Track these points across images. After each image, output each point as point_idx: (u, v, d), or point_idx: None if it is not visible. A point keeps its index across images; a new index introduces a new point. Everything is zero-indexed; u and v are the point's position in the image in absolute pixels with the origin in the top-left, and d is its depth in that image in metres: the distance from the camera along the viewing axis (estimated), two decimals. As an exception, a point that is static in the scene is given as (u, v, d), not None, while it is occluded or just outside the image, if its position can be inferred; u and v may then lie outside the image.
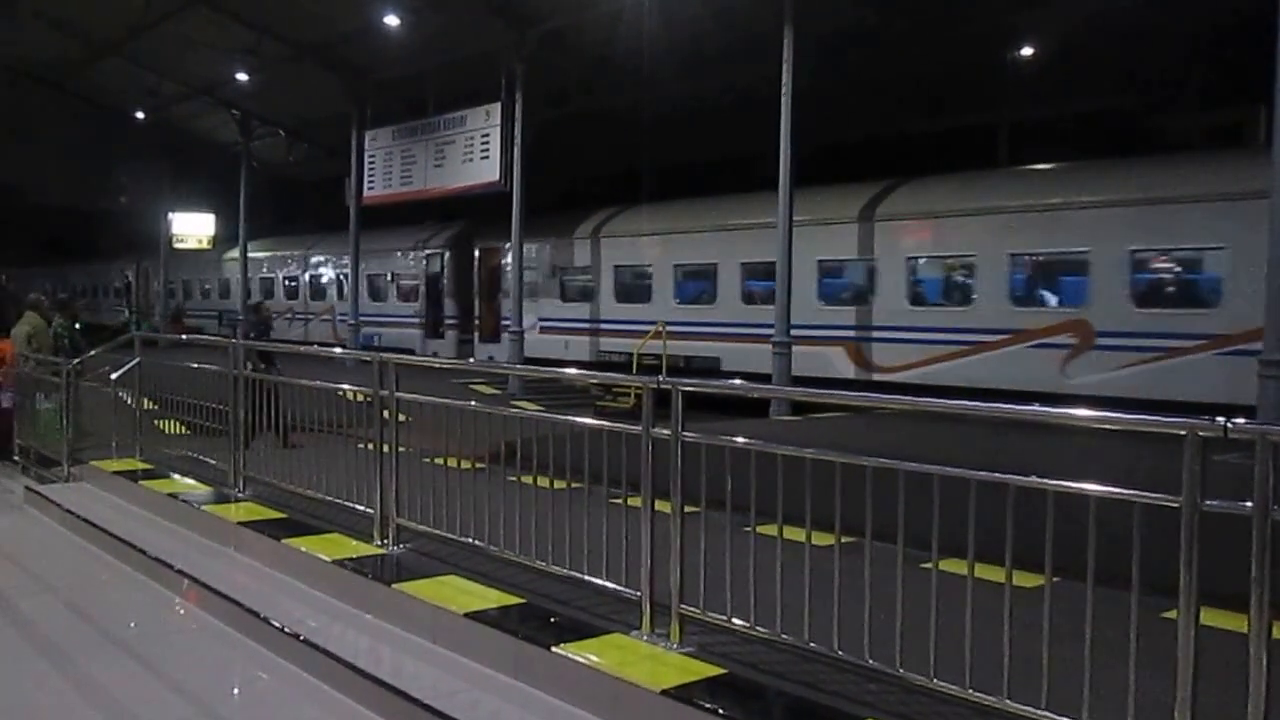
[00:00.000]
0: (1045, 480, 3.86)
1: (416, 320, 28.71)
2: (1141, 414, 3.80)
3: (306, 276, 34.35)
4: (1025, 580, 3.96)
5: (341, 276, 31.48)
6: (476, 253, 26.76)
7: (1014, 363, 16.40)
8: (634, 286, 22.71)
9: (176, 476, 9.80)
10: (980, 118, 22.33)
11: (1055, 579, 3.84)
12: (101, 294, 47.30)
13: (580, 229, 23.93)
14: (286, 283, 35.34)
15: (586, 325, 23.34)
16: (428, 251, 28.58)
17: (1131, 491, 3.63)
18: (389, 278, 30.12)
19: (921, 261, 18.21)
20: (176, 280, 40.82)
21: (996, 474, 4.00)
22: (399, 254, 29.83)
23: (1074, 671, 3.67)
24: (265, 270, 36.20)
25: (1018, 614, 3.89)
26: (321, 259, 33.63)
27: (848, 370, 18.45)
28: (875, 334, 18.34)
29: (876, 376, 18.10)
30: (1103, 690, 3.63)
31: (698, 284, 21.55)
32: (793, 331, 17.16)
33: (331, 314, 32.31)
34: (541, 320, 24.15)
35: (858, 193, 19.02)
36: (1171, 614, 3.48)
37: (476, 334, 26.66)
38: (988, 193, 17.66)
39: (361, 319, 28.97)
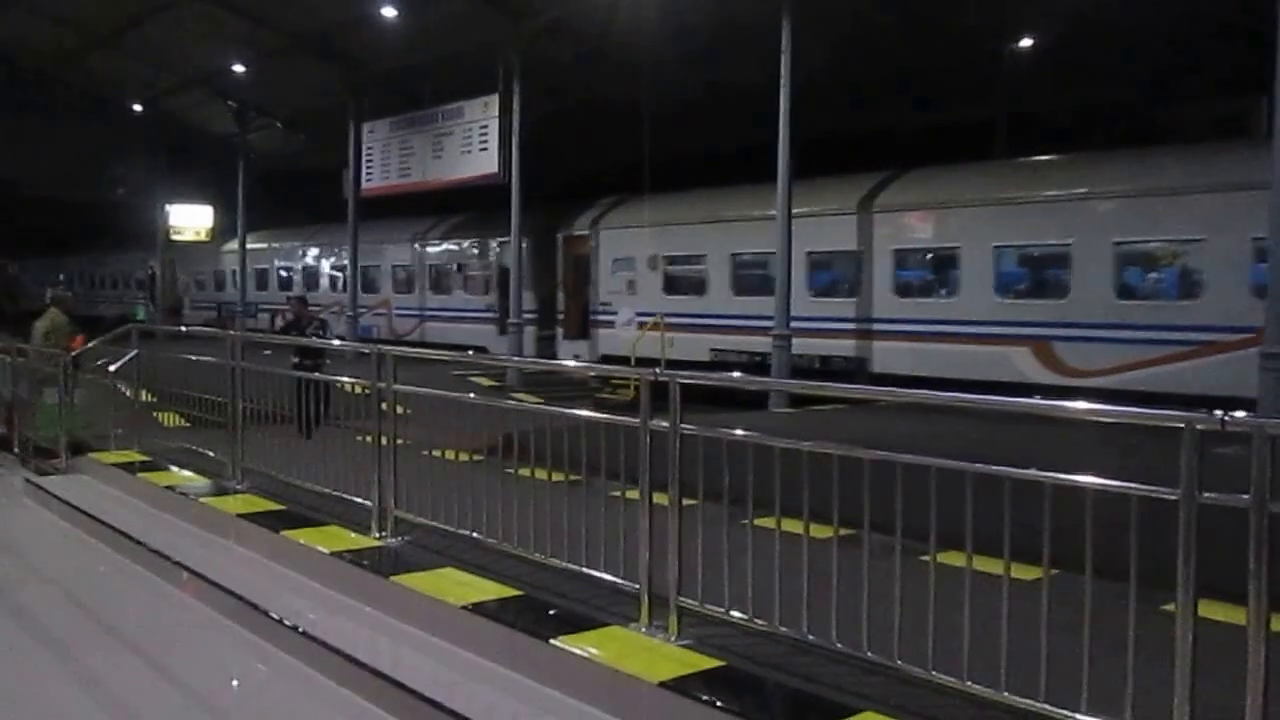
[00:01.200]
0: (1043, 473, 3.87)
1: (488, 315, 26.52)
2: (1140, 407, 3.80)
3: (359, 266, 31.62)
4: (1023, 573, 3.97)
5: (396, 266, 30.16)
6: (559, 240, 24.95)
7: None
8: (757, 277, 20.25)
9: (175, 469, 9.78)
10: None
11: (1054, 572, 3.85)
12: (122, 285, 46.02)
13: (687, 212, 21.83)
14: (333, 274, 33.09)
15: (697, 321, 21.00)
16: (501, 239, 25.88)
17: (1129, 484, 3.63)
18: (455, 268, 28.08)
19: (1133, 246, 15.68)
20: (207, 271, 39.90)
21: (994, 466, 4.00)
22: (467, 243, 27.74)
23: (1072, 664, 3.67)
24: (309, 260, 34.49)
25: (1016, 607, 3.89)
26: (376, 247, 30.97)
27: (1035, 373, 16.03)
28: (1070, 331, 15.84)
29: (1071, 381, 15.70)
30: (1101, 683, 3.64)
31: (835, 273, 19.63)
32: (964, 328, 16.22)
33: (387, 308, 30.27)
34: (641, 316, 21.58)
35: (1049, 169, 17.36)
36: (1170, 607, 3.49)
37: (560, 329, 24.80)
38: (1229, 168, 14.90)
39: (424, 314, 27.98)
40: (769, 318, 18.16)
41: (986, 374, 15.74)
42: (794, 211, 17.89)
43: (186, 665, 6.13)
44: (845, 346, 18.62)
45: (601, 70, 22.95)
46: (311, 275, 33.98)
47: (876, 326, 18.27)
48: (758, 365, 18.54)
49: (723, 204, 21.19)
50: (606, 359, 21.42)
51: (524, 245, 24.50)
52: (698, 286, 21.31)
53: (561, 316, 24.91)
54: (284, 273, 35.61)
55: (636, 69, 21.29)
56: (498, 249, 26.26)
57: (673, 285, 21.91)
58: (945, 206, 17.37)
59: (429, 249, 28.77)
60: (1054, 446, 4.78)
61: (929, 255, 18.05)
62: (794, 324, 17.84)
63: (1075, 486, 3.79)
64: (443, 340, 26.77)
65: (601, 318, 23.00)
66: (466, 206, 27.54)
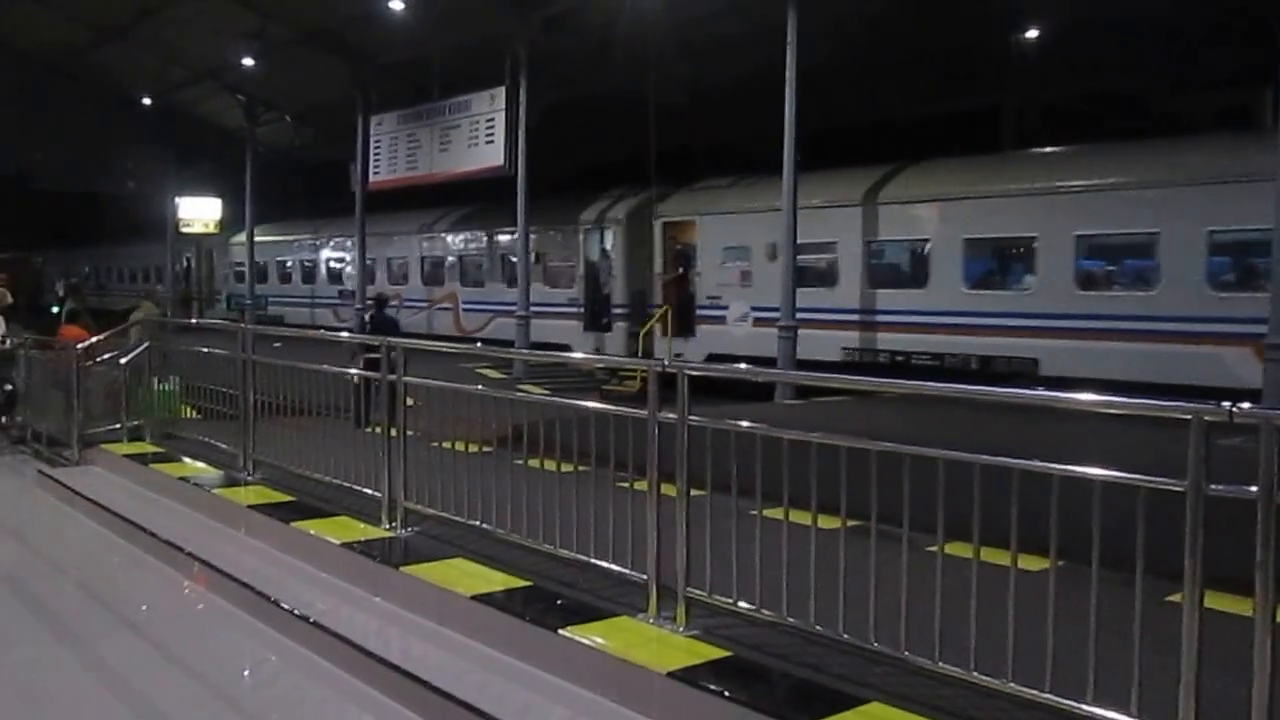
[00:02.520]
0: (1050, 464, 3.87)
1: (573, 310, 24.08)
2: (1147, 399, 3.81)
3: (418, 257, 29.86)
4: (1029, 563, 3.99)
5: (463, 257, 27.85)
6: (658, 227, 22.37)
7: None
8: (901, 267, 18.58)
9: (186, 460, 9.84)
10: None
11: (1059, 563, 3.86)
12: (155, 278, 42.72)
13: (813, 195, 19.14)
14: (393, 266, 30.72)
15: (825, 316, 18.73)
16: (588, 226, 24.02)
17: (1136, 476, 3.64)
18: (534, 259, 24.92)
19: None
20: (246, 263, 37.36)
21: (1001, 458, 4.02)
22: (551, 230, 25.10)
23: (1078, 655, 3.69)
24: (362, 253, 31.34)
25: (1022, 597, 3.91)
26: (439, 237, 28.78)
27: (1253, 376, 13.44)
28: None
29: None
30: (1107, 673, 3.65)
31: (999, 262, 17.61)
32: (1166, 325, 14.52)
33: (453, 302, 27.89)
34: (757, 310, 19.66)
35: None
36: (1175, 597, 3.50)
37: (658, 325, 22.16)
38: None
39: (493, 308, 25.75)
40: (916, 312, 17.09)
41: (1192, 378, 13.90)
42: (953, 194, 16.89)
43: (198, 654, 6.19)
44: (1010, 345, 16.59)
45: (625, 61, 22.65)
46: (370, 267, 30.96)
47: (1050, 323, 16.16)
48: (900, 365, 17.32)
49: (853, 187, 19.11)
50: (714, 359, 19.31)
51: (614, 232, 22.93)
52: (827, 277, 19.21)
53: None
54: (334, 264, 33.63)
55: (647, 60, 21.24)
56: (582, 236, 24.25)
57: (796, 277, 19.10)
58: (1147, 186, 15.30)
59: (502, 237, 26.09)
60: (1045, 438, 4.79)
61: (1122, 241, 15.92)
62: (947, 319, 16.74)
63: (1083, 478, 3.80)
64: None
65: (708, 313, 20.68)
66: (602, 184, 24.93)
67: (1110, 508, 3.72)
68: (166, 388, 7.50)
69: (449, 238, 28.45)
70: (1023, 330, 16.41)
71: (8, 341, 13.29)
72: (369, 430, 7.57)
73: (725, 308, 20.33)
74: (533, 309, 23.40)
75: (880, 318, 18.28)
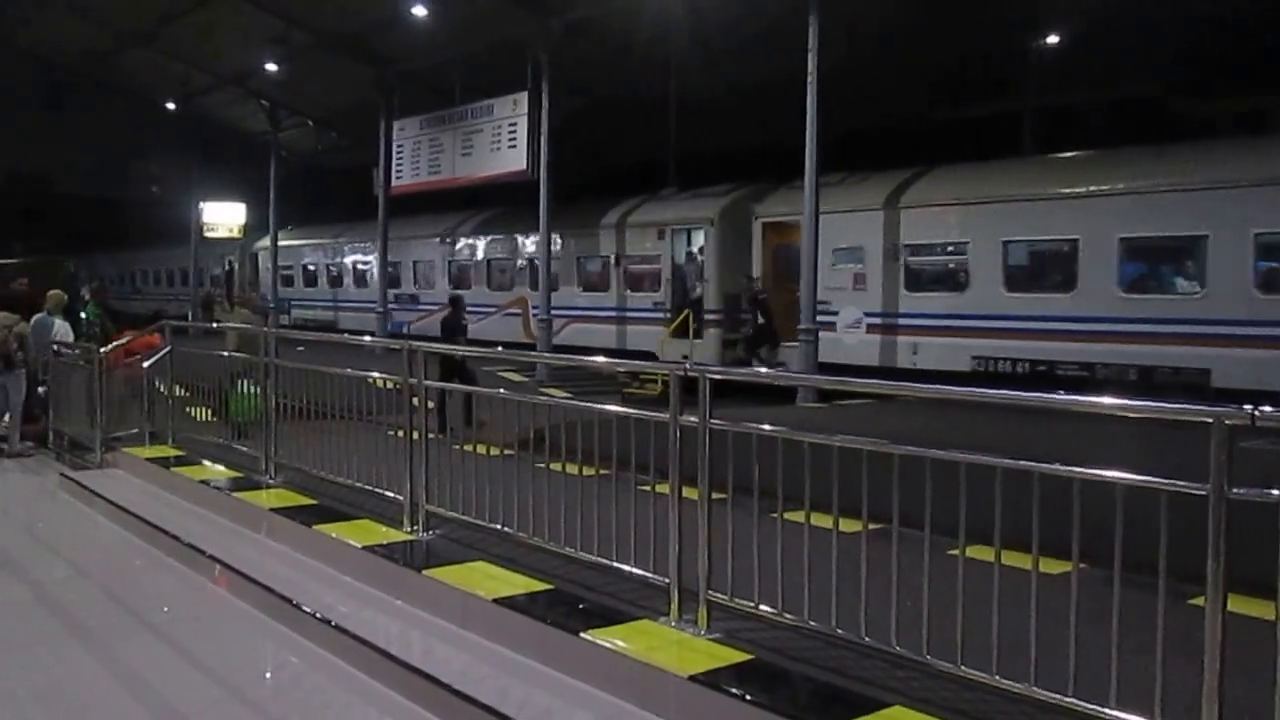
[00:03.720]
0: (1072, 468, 3.85)
1: (658, 315, 22.31)
2: (1167, 402, 3.78)
3: (483, 260, 28.02)
4: (1051, 567, 3.97)
5: (535, 260, 25.26)
6: (757, 227, 20.65)
7: None
8: (1043, 268, 17.01)
9: (208, 463, 9.90)
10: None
11: (1081, 566, 3.85)
12: (194, 282, 41.18)
13: (941, 191, 18.06)
14: (454, 269, 28.96)
15: (951, 323, 17.38)
16: (675, 226, 22.28)
17: (1158, 479, 3.62)
18: (613, 260, 23.69)
19: None
20: (294, 266, 36.39)
21: (1022, 461, 4.00)
22: (632, 229, 23.32)
23: (1101, 658, 3.67)
24: (421, 254, 30.20)
25: (1044, 601, 3.89)
26: (507, 238, 26.99)
27: None
28: None
29: None
30: (1129, 677, 3.63)
31: (1161, 262, 16.05)
32: None
33: (523, 307, 25.82)
34: (871, 316, 18.47)
35: None
36: (1198, 601, 3.48)
37: (754, 332, 20.42)
38: None
39: (568, 313, 23.90)
40: (1061, 318, 15.82)
41: None
42: (1101, 190, 15.75)
43: (219, 657, 6.22)
44: (1175, 355, 15.19)
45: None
46: (426, 270, 29.97)
47: (1225, 330, 14.67)
48: (1039, 375, 16.11)
49: (986, 182, 17.65)
50: (822, 368, 17.81)
51: (707, 233, 21.16)
52: (954, 281, 17.70)
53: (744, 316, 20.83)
54: (389, 268, 31.27)
55: (670, 64, 21.25)
56: (670, 236, 22.35)
57: (918, 280, 18.17)
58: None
59: (578, 239, 24.56)
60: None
61: None
62: (1098, 325, 15.61)
63: (1105, 481, 3.78)
64: (596, 344, 22.09)
65: (816, 319, 18.77)
66: (686, 181, 23.86)
67: (1132, 510, 3.70)
68: (255, 390, 7.66)
69: (519, 239, 26.58)
70: (1191, 338, 14.98)
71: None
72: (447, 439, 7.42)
73: (834, 313, 18.87)
74: (613, 313, 22.87)
75: (1018, 324, 16.78)
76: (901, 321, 18.08)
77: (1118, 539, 3.71)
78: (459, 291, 21.02)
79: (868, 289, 18.60)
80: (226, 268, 40.94)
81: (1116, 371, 15.64)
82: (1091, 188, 16.43)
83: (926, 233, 17.19)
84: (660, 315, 22.18)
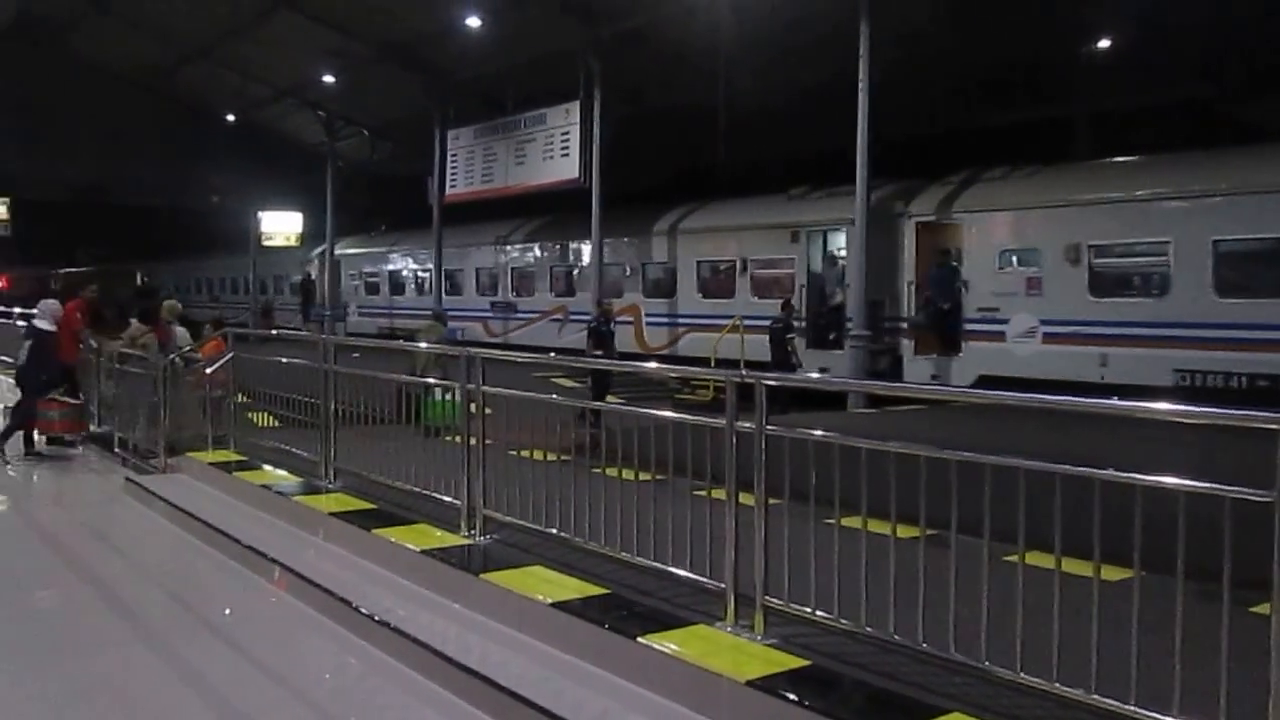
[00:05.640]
0: (1133, 474, 3.83)
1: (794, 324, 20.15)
2: (1226, 408, 3.74)
3: (587, 263, 25.98)
4: (1110, 574, 3.94)
5: (647, 265, 24.40)
6: (910, 228, 19.02)
7: None
8: (1265, 271, 14.93)
9: (269, 468, 10.04)
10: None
11: (1142, 573, 3.81)
12: (273, 290, 40.89)
13: (1122, 185, 16.50)
14: (554, 275, 27.40)
15: (1147, 332, 15.68)
16: (809, 228, 20.68)
17: (1221, 486, 3.59)
18: (740, 266, 22.01)
19: None
20: (380, 274, 35.39)
21: (1082, 468, 3.97)
22: (753, 233, 21.87)
23: (1163, 666, 3.64)
24: (530, 258, 28.50)
25: (1104, 608, 3.86)
26: (618, 242, 25.10)
27: None
28: None
29: None
30: (1192, 685, 3.60)
31: None
32: None
33: (635, 315, 24.07)
34: (1049, 325, 16.85)
35: None
36: (1262, 608, 3.44)
37: (912, 343, 18.79)
38: None
39: (685, 320, 22.75)
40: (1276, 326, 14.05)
41: None
42: None
43: (281, 658, 6.32)
44: None
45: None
46: (528, 275, 28.47)
47: None
48: (1260, 392, 14.30)
49: (1193, 175, 15.91)
50: (986, 381, 16.69)
51: (851, 235, 19.03)
52: (1151, 284, 16.06)
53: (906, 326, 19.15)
54: (484, 274, 30.01)
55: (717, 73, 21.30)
56: (804, 238, 20.69)
57: (1104, 284, 16.49)
58: None
59: (698, 243, 23.12)
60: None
61: None
62: None
63: (1166, 488, 3.75)
64: (718, 354, 20.29)
65: (980, 327, 17.73)
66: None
67: (1194, 517, 3.66)
68: (449, 398, 7.81)
69: (627, 243, 25.06)
70: None
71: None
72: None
73: (1004, 321, 17.40)
74: (729, 320, 21.05)
75: (1232, 333, 14.87)
76: (1085, 330, 16.38)
77: (1180, 546, 3.68)
78: (607, 301, 19.45)
79: (1043, 294, 16.94)
80: (305, 275, 39.88)
81: None
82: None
83: (1117, 231, 15.79)
84: (795, 324, 20.14)
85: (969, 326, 17.80)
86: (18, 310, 25.68)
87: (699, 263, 23.09)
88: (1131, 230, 15.98)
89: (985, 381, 16.75)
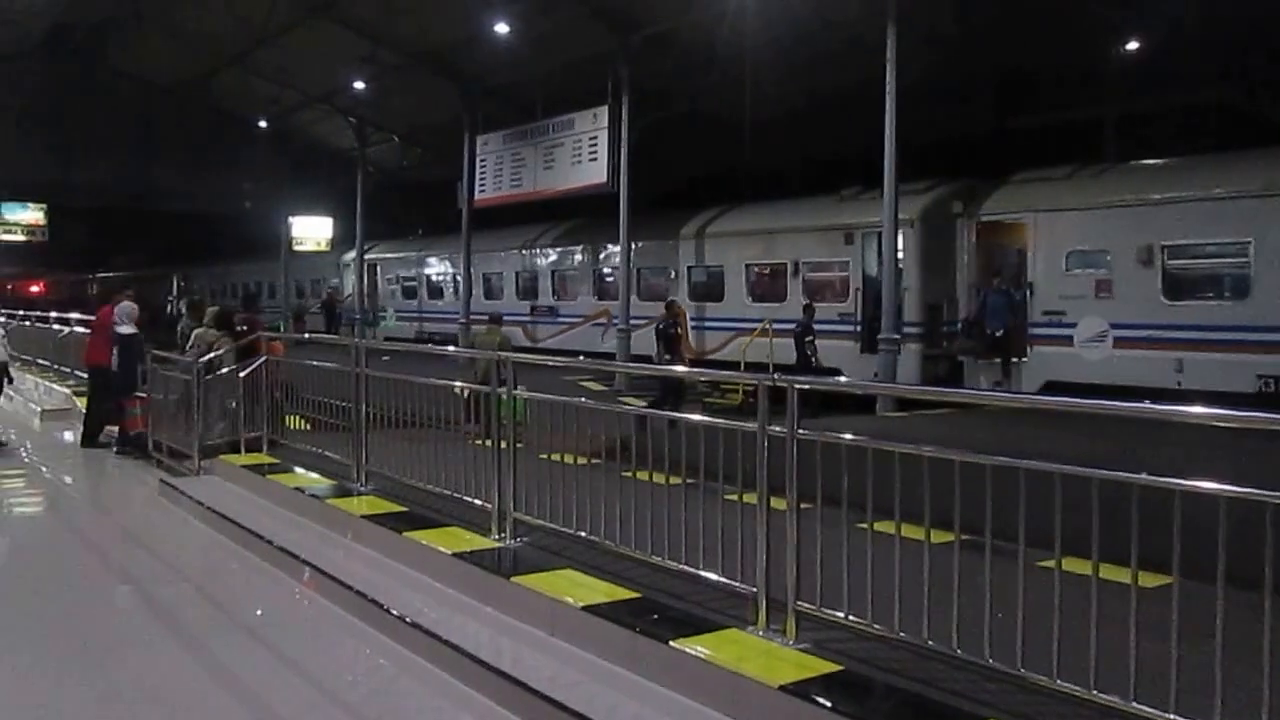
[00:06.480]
0: (1171, 480, 3.78)
1: (845, 328, 20.01)
2: (1260, 411, 3.69)
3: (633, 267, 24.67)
4: (1147, 580, 3.90)
5: (691, 269, 23.88)
6: (971, 227, 18.55)
7: None
8: None
9: (301, 471, 10.10)
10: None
11: (1180, 579, 3.77)
12: (285, 294, 40.45)
13: (1206, 185, 15.76)
14: (596, 277, 27.04)
15: (1228, 336, 15.10)
16: (865, 229, 19.85)
17: (1264, 492, 3.55)
18: (792, 268, 21.43)
19: None
20: (416, 278, 35.34)
21: (1120, 473, 3.94)
22: (809, 235, 21.27)
23: (1204, 674, 3.60)
24: (573, 262, 28.19)
25: (1142, 614, 3.82)
26: (660, 244, 24.65)
27: None
28: None
29: None
30: (1233, 694, 3.56)
31: None
32: None
33: (682, 318, 21.87)
34: (1119, 328, 16.30)
35: None
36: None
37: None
38: None
39: (735, 325, 21.98)
40: None
41: None
42: None
43: (313, 659, 6.35)
44: None
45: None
46: (571, 278, 28.23)
47: None
48: None
49: (1277, 170, 15.26)
50: (1053, 388, 16.31)
51: (909, 236, 18.71)
52: (1231, 286, 15.49)
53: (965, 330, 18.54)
54: (525, 279, 29.63)
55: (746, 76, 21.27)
56: (861, 241, 20.01)
57: (1179, 286, 15.94)
58: None
59: (745, 246, 22.64)
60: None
61: None
62: None
63: (1206, 494, 3.71)
64: (771, 360, 18.43)
65: (1046, 331, 17.20)
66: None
67: (1234, 523, 3.62)
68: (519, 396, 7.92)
69: (671, 246, 24.58)
70: None
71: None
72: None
73: (1071, 325, 16.89)
74: (785, 325, 19.67)
75: None
76: (1159, 334, 15.80)
77: (1220, 553, 3.64)
78: (676, 301, 19.40)
79: (1114, 296, 16.39)
80: (325, 296, 39.89)
81: None
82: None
83: (1194, 231, 15.24)
84: (848, 329, 19.96)
85: (1034, 331, 17.30)
86: (53, 314, 25.92)
87: (747, 266, 22.66)
88: (1209, 230, 15.44)
89: (1052, 388, 16.35)
